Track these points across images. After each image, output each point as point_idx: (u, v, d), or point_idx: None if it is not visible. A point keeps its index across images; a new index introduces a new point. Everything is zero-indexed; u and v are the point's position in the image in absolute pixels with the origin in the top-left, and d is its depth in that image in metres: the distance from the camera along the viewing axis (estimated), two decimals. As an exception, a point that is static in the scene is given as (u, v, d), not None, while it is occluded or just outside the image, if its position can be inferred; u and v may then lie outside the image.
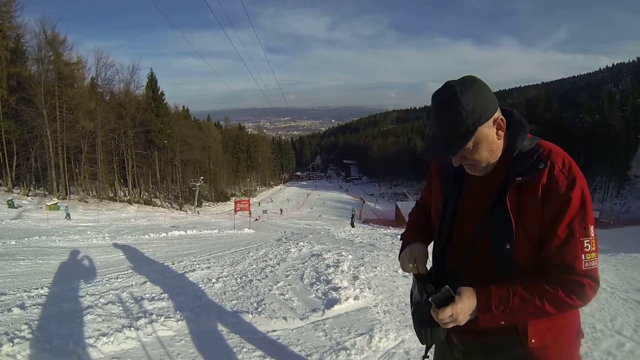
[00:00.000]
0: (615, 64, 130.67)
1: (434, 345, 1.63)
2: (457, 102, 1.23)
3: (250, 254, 7.98)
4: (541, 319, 1.34)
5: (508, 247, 1.31)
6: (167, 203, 54.18)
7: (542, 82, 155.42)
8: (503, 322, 1.28)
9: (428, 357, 1.71)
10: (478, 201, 1.42)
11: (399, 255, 1.62)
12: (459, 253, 1.45)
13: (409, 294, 1.60)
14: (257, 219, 39.15)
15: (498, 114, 1.32)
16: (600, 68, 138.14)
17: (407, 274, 5.90)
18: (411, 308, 1.55)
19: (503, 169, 1.36)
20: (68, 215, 26.27)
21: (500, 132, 1.33)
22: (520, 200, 1.30)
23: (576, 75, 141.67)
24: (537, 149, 1.35)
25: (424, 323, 1.45)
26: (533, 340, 1.35)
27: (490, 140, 1.31)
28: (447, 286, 1.27)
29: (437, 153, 1.40)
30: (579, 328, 1.48)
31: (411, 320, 1.59)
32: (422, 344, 1.51)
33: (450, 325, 1.29)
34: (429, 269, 1.56)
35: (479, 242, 1.39)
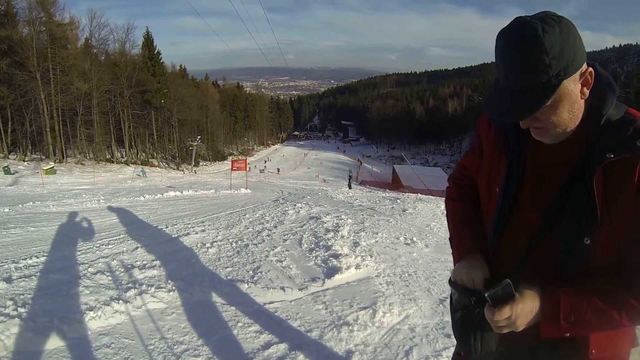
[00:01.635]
0: (622, 44, 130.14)
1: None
2: (539, 44, 0.90)
3: (247, 215, 7.78)
4: None
5: (587, 241, 1.01)
6: (164, 163, 53.88)
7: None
8: (568, 335, 1.02)
9: (461, 354, 1.49)
10: (547, 178, 1.11)
11: (453, 271, 1.28)
12: (516, 245, 1.14)
13: (448, 298, 1.28)
14: (261, 171, 39.56)
15: (586, 67, 0.98)
16: (606, 47, 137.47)
17: (410, 242, 5.80)
18: (454, 314, 1.24)
19: (582, 140, 1.05)
20: (144, 174, 26.46)
21: (585, 90, 1.00)
22: (607, 182, 0.99)
23: None
24: (631, 119, 1.03)
25: (474, 328, 1.16)
26: (594, 351, 1.10)
27: (573, 98, 0.99)
28: (507, 280, 0.99)
29: (505, 110, 1.01)
30: (635, 335, 1.23)
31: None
32: (469, 356, 1.22)
33: (505, 330, 1.02)
34: None
35: (545, 233, 1.09)
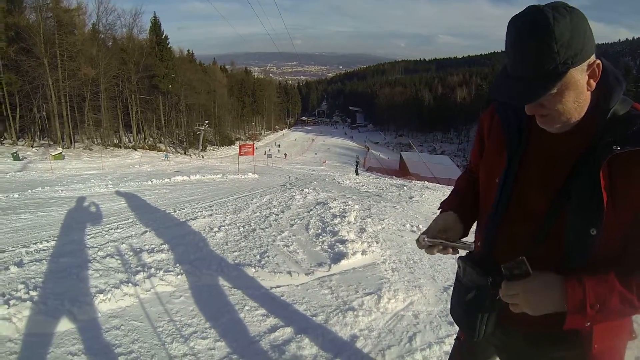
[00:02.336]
0: (635, 37, 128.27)
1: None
2: (549, 30, 0.92)
3: (254, 200, 7.81)
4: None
5: (594, 232, 1.02)
6: (171, 148, 54.02)
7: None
8: (589, 324, 1.03)
9: (460, 339, 1.52)
10: (553, 167, 1.12)
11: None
12: (520, 235, 1.15)
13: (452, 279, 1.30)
14: (269, 156, 39.94)
15: (594, 58, 0.99)
16: (619, 40, 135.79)
17: (416, 229, 5.80)
18: (465, 294, 1.26)
19: (587, 132, 1.06)
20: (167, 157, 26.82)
21: (592, 81, 1.01)
22: (613, 174, 1.01)
23: None
24: (637, 114, 1.05)
25: (483, 309, 1.20)
26: (596, 345, 1.11)
27: (580, 89, 1.00)
28: (523, 257, 1.02)
29: (512, 94, 1.02)
30: (632, 327, 1.25)
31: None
32: (471, 338, 1.26)
33: (518, 310, 1.05)
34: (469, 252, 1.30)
35: (550, 224, 1.10)
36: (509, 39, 1.00)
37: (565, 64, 0.94)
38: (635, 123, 1.02)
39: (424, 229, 1.30)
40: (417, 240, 1.29)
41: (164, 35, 53.26)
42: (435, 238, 1.26)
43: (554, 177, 1.11)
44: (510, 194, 1.20)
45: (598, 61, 1.00)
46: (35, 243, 4.53)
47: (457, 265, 1.32)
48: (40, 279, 3.58)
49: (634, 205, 1.00)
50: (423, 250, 1.29)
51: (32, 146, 35.31)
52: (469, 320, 1.25)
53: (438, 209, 1.46)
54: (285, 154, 62.88)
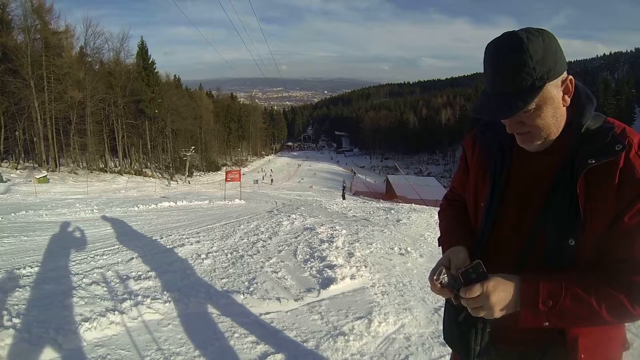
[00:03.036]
0: (612, 52, 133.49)
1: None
2: (523, 49, 1.00)
3: (241, 226, 7.78)
4: (593, 330, 1.13)
5: (572, 242, 1.07)
6: (157, 173, 53.63)
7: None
8: (547, 324, 1.05)
9: None
10: (533, 186, 1.18)
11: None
12: (505, 251, 1.20)
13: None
14: (255, 182, 40.34)
15: (567, 75, 1.07)
16: (597, 55, 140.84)
17: (404, 252, 5.83)
18: (456, 315, 1.26)
19: (564, 148, 1.13)
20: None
21: (567, 97, 1.09)
22: (589, 187, 1.07)
23: (572, 61, 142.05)
24: (610, 127, 1.11)
25: (476, 329, 1.21)
26: (583, 356, 1.13)
27: (556, 104, 1.08)
28: (479, 260, 1.05)
29: (492, 112, 1.09)
30: (625, 338, 1.27)
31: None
32: (467, 357, 1.24)
33: (482, 313, 1.05)
34: None
35: (533, 238, 1.15)
36: (488, 59, 1.06)
37: (541, 79, 1.01)
38: (607, 136, 1.08)
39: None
40: (434, 282, 1.22)
41: (150, 60, 53.42)
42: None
43: (536, 194, 1.16)
44: (496, 214, 1.24)
45: (570, 77, 1.08)
46: (19, 268, 4.45)
47: None
48: (24, 306, 3.50)
49: (609, 214, 1.05)
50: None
51: (17, 168, 34.67)
52: (462, 341, 1.25)
53: (438, 245, 1.47)
54: (272, 180, 62.78)
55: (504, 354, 1.29)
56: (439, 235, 1.50)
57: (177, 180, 50.98)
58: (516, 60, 1.00)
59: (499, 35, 1.07)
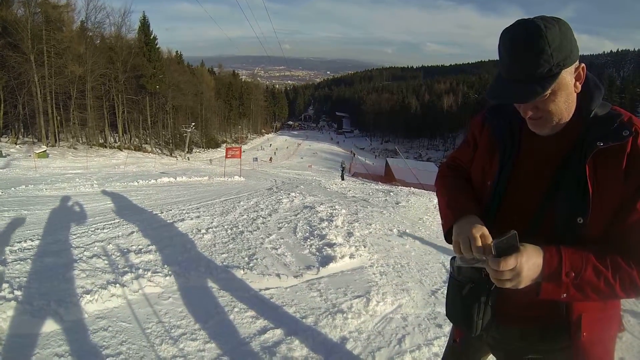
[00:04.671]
0: (619, 49, 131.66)
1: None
2: (542, 36, 1.02)
3: (241, 203, 7.80)
4: (595, 309, 1.19)
5: (580, 221, 1.11)
6: (157, 149, 53.58)
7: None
8: (565, 295, 1.08)
9: (456, 340, 1.56)
10: (542, 166, 1.21)
11: (455, 232, 1.26)
12: (514, 228, 1.17)
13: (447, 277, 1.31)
14: (255, 159, 40.14)
15: (579, 63, 1.11)
16: (604, 52, 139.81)
17: (402, 234, 5.85)
18: (459, 289, 1.27)
19: (574, 132, 1.17)
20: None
21: (578, 83, 1.13)
22: (597, 168, 1.11)
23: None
24: (617, 114, 1.15)
25: (479, 303, 1.23)
26: (585, 334, 1.18)
27: (569, 89, 1.11)
28: (514, 231, 1.03)
29: (511, 97, 1.12)
30: (622, 320, 1.32)
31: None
32: (470, 331, 1.28)
33: (508, 285, 1.05)
34: None
35: (542, 216, 1.18)
36: (505, 46, 1.08)
37: (558, 66, 1.04)
38: (615, 121, 1.13)
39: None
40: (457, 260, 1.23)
41: (152, 36, 52.93)
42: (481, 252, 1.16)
43: (545, 174, 1.20)
44: (503, 192, 1.28)
45: (583, 64, 1.12)
46: (19, 242, 4.44)
47: (449, 266, 1.34)
48: (25, 279, 3.51)
49: (616, 196, 1.09)
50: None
51: (16, 143, 34.60)
52: (466, 316, 1.27)
53: (443, 211, 1.42)
54: (271, 158, 62.77)
55: (504, 330, 1.34)
56: (440, 201, 1.48)
57: (176, 157, 50.90)
58: (535, 47, 1.02)
59: (514, 23, 1.09)
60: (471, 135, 1.49)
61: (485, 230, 1.17)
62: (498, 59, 1.13)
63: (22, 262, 3.85)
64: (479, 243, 1.13)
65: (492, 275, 1.07)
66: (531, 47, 1.03)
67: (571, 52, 1.06)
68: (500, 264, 1.02)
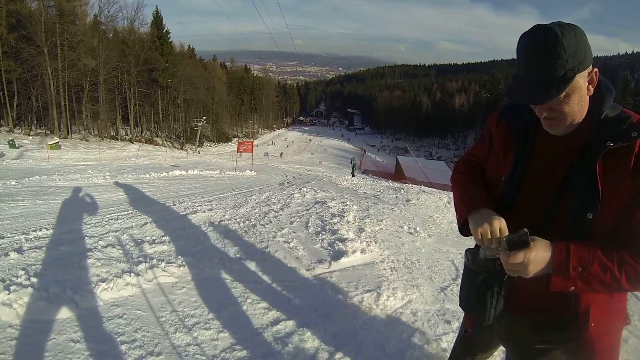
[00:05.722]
0: (634, 52, 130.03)
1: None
2: (559, 43, 1.11)
3: (253, 197, 7.84)
4: (603, 301, 1.28)
5: (590, 216, 1.19)
6: (168, 142, 53.96)
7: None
8: (573, 288, 1.17)
9: (468, 331, 1.60)
10: (554, 164, 1.30)
11: (475, 223, 1.33)
12: (524, 223, 1.24)
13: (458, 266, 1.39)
14: (265, 154, 41.16)
15: (592, 67, 1.20)
16: (618, 53, 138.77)
17: (413, 231, 5.85)
18: (474, 278, 1.37)
19: (585, 132, 1.25)
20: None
21: (591, 87, 1.21)
22: (606, 166, 1.19)
23: (593, 57, 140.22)
24: (627, 116, 1.24)
25: (492, 293, 1.33)
26: (593, 324, 1.26)
27: (582, 92, 1.20)
28: (525, 229, 1.13)
29: (528, 98, 1.20)
30: (627, 314, 1.38)
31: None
32: (483, 320, 1.38)
33: (516, 274, 1.18)
34: None
35: (553, 211, 1.26)
36: (523, 50, 1.17)
37: (572, 70, 1.13)
38: (625, 123, 1.21)
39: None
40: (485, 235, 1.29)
41: (165, 29, 53.30)
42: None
43: (557, 171, 1.28)
44: (516, 188, 1.34)
45: (596, 69, 1.20)
46: (35, 230, 4.51)
47: (464, 257, 1.44)
48: (41, 266, 3.57)
49: (625, 194, 1.17)
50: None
51: (29, 134, 35.11)
52: (479, 304, 1.36)
53: (458, 207, 1.51)
54: (282, 153, 62.87)
55: (515, 320, 1.42)
56: (455, 197, 1.57)
57: (187, 150, 51.20)
58: (552, 52, 1.11)
59: (532, 27, 1.17)
60: (487, 132, 1.54)
61: (504, 223, 1.27)
62: (516, 61, 1.21)
63: (37, 250, 3.91)
64: (498, 235, 1.25)
65: (504, 265, 1.17)
66: (548, 52, 1.11)
67: (585, 58, 1.14)
68: (509, 257, 1.13)
